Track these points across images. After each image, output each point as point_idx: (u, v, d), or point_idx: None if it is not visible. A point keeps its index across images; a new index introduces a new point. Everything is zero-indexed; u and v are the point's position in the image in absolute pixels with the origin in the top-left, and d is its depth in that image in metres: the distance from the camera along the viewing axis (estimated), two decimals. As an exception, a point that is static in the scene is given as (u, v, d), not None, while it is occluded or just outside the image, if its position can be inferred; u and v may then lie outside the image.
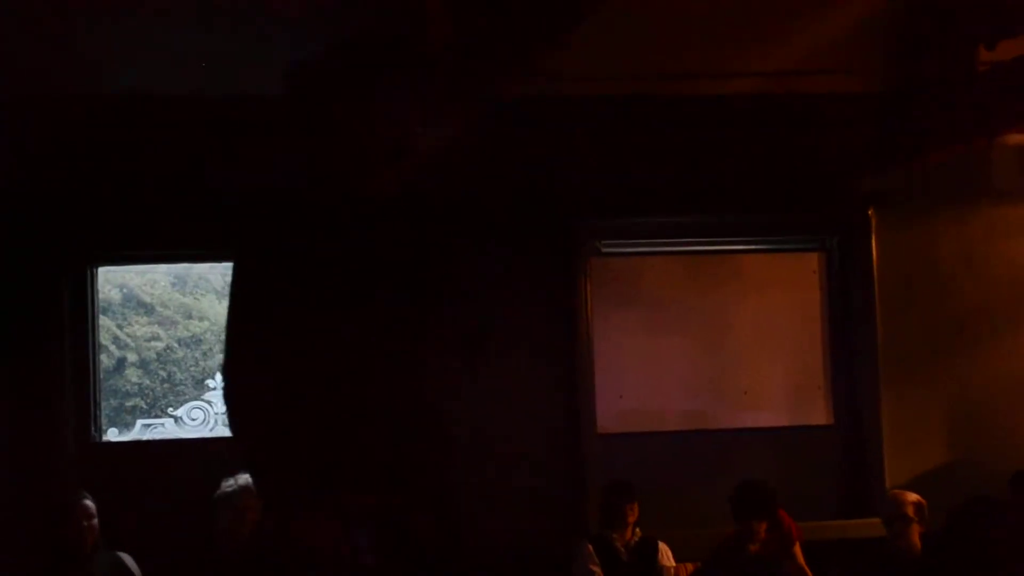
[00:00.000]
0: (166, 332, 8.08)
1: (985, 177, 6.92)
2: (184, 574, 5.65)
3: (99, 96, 6.02)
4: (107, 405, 6.84)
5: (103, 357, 6.92)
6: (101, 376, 6.61)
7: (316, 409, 2.55)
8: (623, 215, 6.78)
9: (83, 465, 6.27)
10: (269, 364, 2.57)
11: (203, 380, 7.07)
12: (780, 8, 5.83)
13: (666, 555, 6.19)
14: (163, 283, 8.24)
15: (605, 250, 6.92)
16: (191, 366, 7.79)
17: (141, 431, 6.90)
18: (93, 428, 6.43)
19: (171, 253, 6.95)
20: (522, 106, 5.91)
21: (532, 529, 6.39)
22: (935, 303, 6.94)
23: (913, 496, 6.03)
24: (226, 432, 6.69)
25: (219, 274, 8.02)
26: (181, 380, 7.75)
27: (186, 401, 7.01)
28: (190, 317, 8.18)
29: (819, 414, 7.17)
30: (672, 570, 6.20)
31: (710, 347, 7.12)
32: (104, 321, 7.12)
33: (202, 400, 6.88)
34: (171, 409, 7.02)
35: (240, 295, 2.65)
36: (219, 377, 6.89)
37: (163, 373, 7.84)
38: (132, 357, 7.94)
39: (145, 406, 7.58)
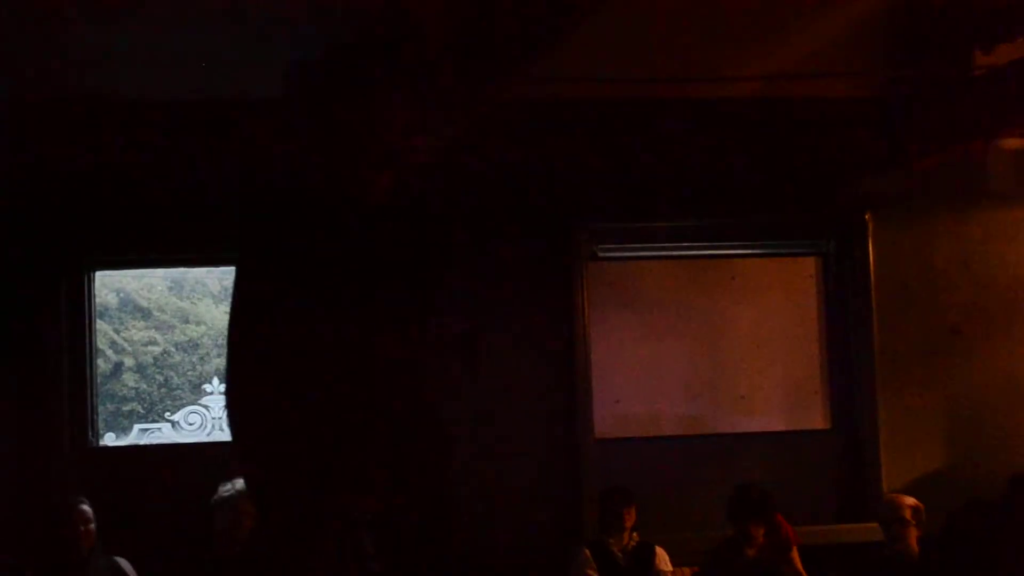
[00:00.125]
0: (163, 336, 8.08)
1: (982, 181, 6.92)
2: (181, 578, 5.65)
3: (96, 99, 6.01)
4: (104, 410, 6.84)
5: (100, 361, 6.92)
6: (98, 380, 6.61)
7: (316, 409, 2.55)
8: (620, 219, 6.78)
9: (80, 470, 6.25)
10: (269, 364, 2.56)
11: (200, 384, 7.07)
12: (776, 12, 5.84)
13: (663, 560, 6.18)
14: (160, 287, 8.24)
15: (602, 254, 6.92)
16: (188, 370, 7.79)
17: (138, 436, 6.90)
18: (90, 433, 6.42)
19: (168, 257, 6.95)
20: (520, 109, 5.91)
21: (529, 533, 6.38)
22: (932, 306, 6.95)
23: (910, 500, 6.04)
24: (223, 436, 6.73)
25: (216, 278, 8.02)
26: (178, 385, 7.75)
27: (183, 405, 7.01)
28: (187, 321, 8.17)
29: (816, 418, 7.17)
30: (670, 575, 6.20)
31: (707, 351, 7.12)
32: (101, 325, 7.13)
33: (199, 405, 6.87)
34: (168, 414, 7.03)
35: (241, 295, 2.65)
36: (217, 380, 6.91)
37: (160, 377, 7.84)
38: (129, 361, 7.94)
39: (142, 411, 7.58)
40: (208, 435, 6.79)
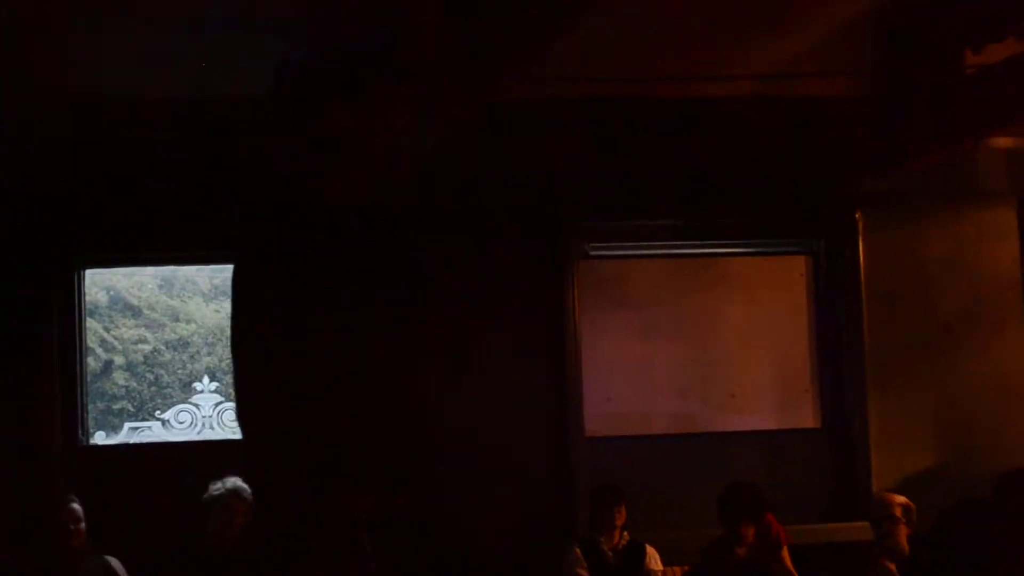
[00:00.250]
0: (153, 335, 8.05)
1: (972, 180, 6.94)
2: (171, 577, 5.64)
3: (85, 98, 6.00)
4: (94, 408, 6.82)
5: (90, 360, 6.90)
6: (88, 379, 6.60)
7: (316, 409, 2.55)
8: (611, 218, 6.79)
9: (70, 468, 6.24)
10: (270, 364, 2.56)
11: (190, 383, 7.05)
12: (769, 12, 5.84)
13: (654, 558, 6.20)
14: (150, 285, 8.21)
15: (593, 253, 6.92)
16: (178, 369, 7.77)
17: (128, 434, 6.88)
18: (80, 431, 6.41)
19: (158, 255, 6.93)
20: (511, 109, 5.92)
21: (520, 532, 6.38)
22: (922, 306, 6.96)
23: (901, 498, 6.05)
24: (213, 435, 6.73)
25: (206, 276, 8.00)
26: (168, 383, 7.72)
27: (173, 404, 6.99)
28: (177, 320, 8.15)
29: (807, 417, 7.18)
30: (660, 574, 6.21)
31: (698, 350, 7.13)
32: (91, 324, 7.10)
33: (189, 403, 6.86)
34: (158, 412, 7.00)
35: (241, 295, 2.65)
36: (207, 379, 6.90)
37: (150, 376, 7.82)
38: (119, 360, 7.92)
39: (132, 409, 7.55)
40: (198, 434, 6.77)
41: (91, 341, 7.19)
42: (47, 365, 6.27)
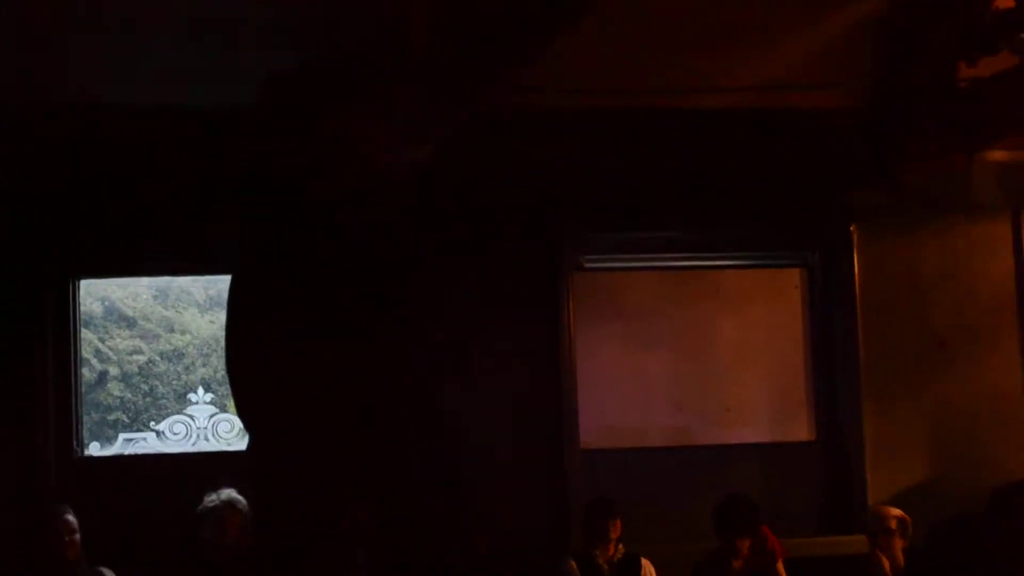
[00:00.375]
0: (148, 345, 8.05)
1: (966, 194, 6.95)
2: (166, 589, 5.63)
3: (82, 108, 6.00)
4: (89, 419, 6.82)
5: (85, 371, 6.89)
6: (83, 390, 6.57)
7: (316, 408, 2.56)
8: (607, 230, 6.79)
9: (65, 479, 6.23)
10: (270, 364, 2.57)
11: (185, 394, 7.04)
12: (763, 23, 5.86)
13: (649, 571, 6.18)
14: (145, 296, 8.21)
15: (588, 265, 6.93)
16: (173, 380, 7.77)
17: (123, 445, 6.87)
18: (75, 442, 6.40)
19: (153, 266, 6.92)
20: (505, 120, 5.92)
21: (515, 544, 6.37)
22: (917, 319, 6.97)
23: (896, 511, 6.06)
24: (208, 446, 6.71)
25: (201, 288, 8.00)
26: (163, 394, 7.72)
27: (168, 415, 6.98)
28: (172, 331, 8.15)
29: (801, 430, 7.18)
30: (655, 586, 6.20)
31: (693, 363, 7.13)
32: (86, 334, 7.09)
33: (184, 414, 6.84)
34: (153, 423, 7.00)
35: (241, 295, 2.66)
36: (202, 390, 6.89)
37: (145, 387, 7.82)
38: (114, 371, 7.91)
39: (127, 420, 7.55)
40: (193, 445, 6.76)
41: (86, 352, 7.19)
42: (41, 375, 6.26)
